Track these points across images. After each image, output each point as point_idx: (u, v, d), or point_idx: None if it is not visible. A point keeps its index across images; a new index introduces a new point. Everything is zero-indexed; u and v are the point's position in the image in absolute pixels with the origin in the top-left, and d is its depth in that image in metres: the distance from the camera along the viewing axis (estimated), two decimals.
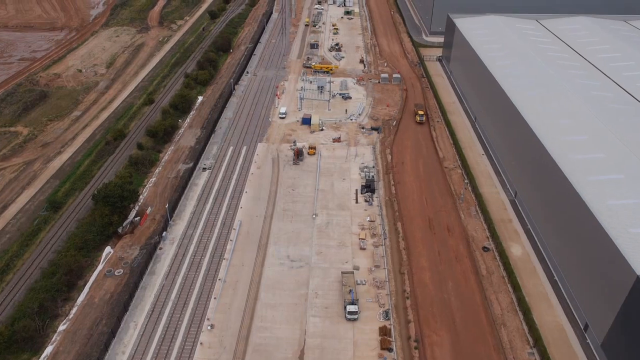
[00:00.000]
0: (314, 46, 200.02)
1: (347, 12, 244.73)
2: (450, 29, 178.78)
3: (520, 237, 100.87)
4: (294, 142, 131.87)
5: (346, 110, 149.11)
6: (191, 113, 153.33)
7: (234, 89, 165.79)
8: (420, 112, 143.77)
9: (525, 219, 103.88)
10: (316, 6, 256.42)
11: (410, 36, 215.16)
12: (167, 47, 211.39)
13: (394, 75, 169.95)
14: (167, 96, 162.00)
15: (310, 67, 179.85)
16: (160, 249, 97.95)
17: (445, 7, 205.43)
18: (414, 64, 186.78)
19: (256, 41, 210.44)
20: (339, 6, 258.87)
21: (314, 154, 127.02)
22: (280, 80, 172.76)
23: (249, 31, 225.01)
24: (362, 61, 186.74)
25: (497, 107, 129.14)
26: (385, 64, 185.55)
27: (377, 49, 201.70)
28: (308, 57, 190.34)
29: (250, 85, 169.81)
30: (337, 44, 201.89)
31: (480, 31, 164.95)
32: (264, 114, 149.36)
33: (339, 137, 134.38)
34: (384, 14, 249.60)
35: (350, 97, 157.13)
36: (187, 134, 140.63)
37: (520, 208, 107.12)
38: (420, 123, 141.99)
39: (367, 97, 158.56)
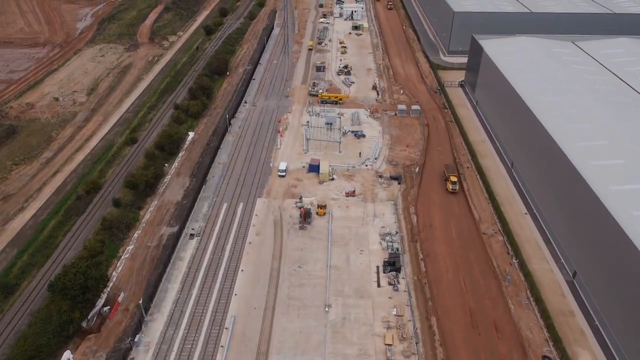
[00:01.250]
0: (320, 69, 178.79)
1: (355, 27, 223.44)
2: (475, 52, 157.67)
3: (587, 340, 79.72)
4: (300, 197, 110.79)
5: (360, 153, 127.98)
6: (180, 154, 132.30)
7: (230, 124, 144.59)
8: (453, 179, 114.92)
9: (592, 312, 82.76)
10: (321, 20, 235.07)
11: (426, 56, 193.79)
12: (157, 68, 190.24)
13: (413, 107, 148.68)
14: (153, 133, 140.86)
15: (317, 96, 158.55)
16: (132, 359, 76.82)
17: (465, 25, 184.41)
18: (433, 91, 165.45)
19: (256, 62, 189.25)
20: (345, 20, 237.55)
21: (324, 214, 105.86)
22: (283, 111, 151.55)
23: (248, 49, 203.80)
24: (374, 87, 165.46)
25: (538, 151, 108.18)
26: (402, 92, 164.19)
27: (390, 72, 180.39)
28: (314, 83, 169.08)
29: (249, 118, 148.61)
30: (345, 67, 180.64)
31: (511, 56, 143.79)
32: (264, 157, 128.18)
33: (353, 191, 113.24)
34: (395, 28, 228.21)
35: (363, 135, 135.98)
36: (173, 184, 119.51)
37: (582, 295, 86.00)
38: (453, 192, 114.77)
39: (383, 135, 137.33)
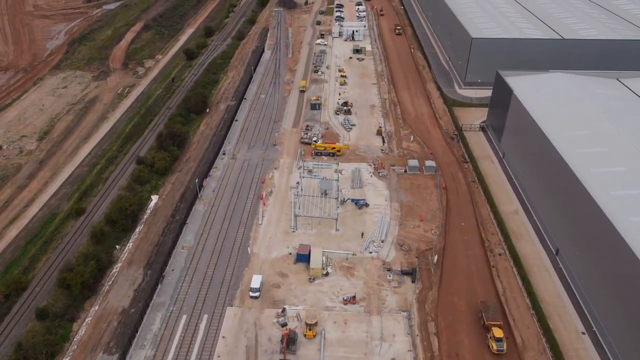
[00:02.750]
0: (315, 107, 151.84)
1: (357, 51, 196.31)
2: (500, 90, 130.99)
3: None
4: (283, 309, 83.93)
5: (362, 234, 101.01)
6: (137, 230, 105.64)
7: (202, 186, 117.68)
8: (498, 334, 77.45)
9: None
10: (318, 41, 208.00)
11: (439, 88, 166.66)
12: (126, 103, 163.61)
13: (427, 163, 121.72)
14: (107, 198, 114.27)
15: (310, 144, 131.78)
16: None
17: (485, 53, 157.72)
18: (449, 137, 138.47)
19: (241, 95, 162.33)
20: (346, 40, 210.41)
21: (314, 336, 79.05)
22: (269, 167, 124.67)
23: (234, 78, 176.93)
24: (380, 132, 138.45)
25: (592, 240, 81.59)
26: (412, 138, 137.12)
27: (398, 110, 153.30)
28: (307, 126, 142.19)
29: (226, 177, 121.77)
30: (345, 103, 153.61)
31: (546, 101, 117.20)
32: (241, 238, 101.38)
33: (354, 296, 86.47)
34: (402, 51, 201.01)
35: (367, 205, 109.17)
36: (122, 280, 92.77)
37: None
38: (499, 353, 77.24)
39: (390, 203, 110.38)
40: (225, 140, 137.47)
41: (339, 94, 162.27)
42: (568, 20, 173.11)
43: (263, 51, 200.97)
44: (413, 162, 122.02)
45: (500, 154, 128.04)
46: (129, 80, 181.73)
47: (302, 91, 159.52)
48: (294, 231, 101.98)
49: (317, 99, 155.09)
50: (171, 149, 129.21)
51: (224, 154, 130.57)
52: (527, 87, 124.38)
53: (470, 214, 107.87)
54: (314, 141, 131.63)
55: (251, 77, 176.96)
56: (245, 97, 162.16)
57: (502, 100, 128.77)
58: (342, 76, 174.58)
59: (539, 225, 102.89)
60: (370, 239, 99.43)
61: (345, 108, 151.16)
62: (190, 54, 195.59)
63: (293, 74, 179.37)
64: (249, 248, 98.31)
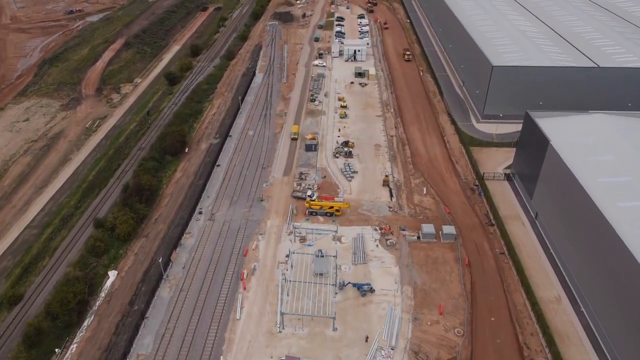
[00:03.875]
0: (310, 147, 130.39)
1: (359, 74, 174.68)
2: (532, 135, 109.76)
3: None
4: None
5: (367, 338, 79.49)
6: (84, 325, 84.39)
7: (170, 262, 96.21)
8: None
9: None
10: (316, 62, 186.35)
11: (453, 121, 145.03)
12: (94, 140, 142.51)
13: (445, 230, 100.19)
14: (54, 276, 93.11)
15: (304, 199, 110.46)
16: None
17: (508, 82, 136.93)
18: (469, 187, 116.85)
19: (226, 131, 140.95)
20: (347, 60, 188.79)
21: None
22: (253, 232, 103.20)
23: (219, 108, 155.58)
24: (386, 182, 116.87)
25: None
26: (425, 190, 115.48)
27: (407, 151, 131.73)
28: (301, 174, 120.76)
29: (201, 246, 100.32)
30: (346, 143, 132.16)
31: (590, 152, 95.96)
32: (211, 344, 79.79)
33: None
34: (410, 74, 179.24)
35: (372, 290, 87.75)
36: None
37: None
38: None
39: (401, 287, 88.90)
40: (204, 192, 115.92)
41: (339, 130, 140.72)
42: (600, 43, 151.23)
43: (254, 74, 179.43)
44: (428, 228, 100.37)
45: (532, 214, 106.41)
46: (101, 110, 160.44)
47: (294, 139, 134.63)
48: (280, 331, 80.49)
49: (313, 138, 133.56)
50: (137, 207, 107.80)
51: (200, 213, 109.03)
52: (565, 134, 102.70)
53: (502, 303, 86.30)
54: (308, 197, 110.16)
55: (239, 107, 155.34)
56: (230, 133, 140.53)
57: (534, 148, 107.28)
58: (342, 106, 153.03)
59: (590, 322, 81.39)
60: (376, 344, 77.90)
61: (345, 149, 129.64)
62: (172, 78, 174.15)
63: (287, 104, 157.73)
64: (222, 356, 76.79)
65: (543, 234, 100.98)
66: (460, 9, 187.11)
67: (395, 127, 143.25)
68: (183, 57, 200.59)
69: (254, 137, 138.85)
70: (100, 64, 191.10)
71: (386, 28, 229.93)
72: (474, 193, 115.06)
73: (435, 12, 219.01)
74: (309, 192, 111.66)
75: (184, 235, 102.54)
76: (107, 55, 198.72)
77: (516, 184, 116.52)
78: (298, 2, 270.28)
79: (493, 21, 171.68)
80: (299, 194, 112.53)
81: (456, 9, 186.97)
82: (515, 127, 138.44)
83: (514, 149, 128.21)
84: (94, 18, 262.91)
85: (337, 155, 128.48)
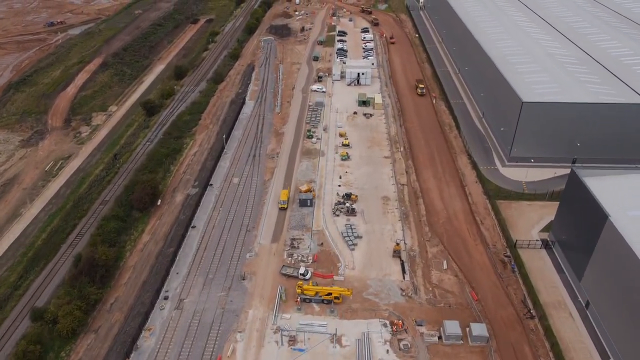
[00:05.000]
0: (305, 203, 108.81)
1: (363, 102, 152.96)
2: (580, 199, 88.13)
3: None
4: None
5: None
6: None
7: None
8: None
9: None
10: (314, 87, 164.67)
11: (474, 164, 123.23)
12: (53, 188, 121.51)
13: (474, 330, 78.35)
14: None
15: (296, 277, 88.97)
16: None
17: (539, 121, 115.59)
18: (500, 260, 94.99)
19: (207, 178, 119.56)
20: (349, 84, 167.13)
21: None
22: (230, 329, 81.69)
23: (201, 147, 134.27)
24: (397, 253, 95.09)
25: None
26: (445, 265, 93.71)
27: (422, 206, 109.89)
28: (292, 242, 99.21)
29: (162, 349, 78.76)
30: (348, 196, 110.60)
31: None
32: None
33: None
34: (421, 102, 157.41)
35: None
36: None
37: None
38: None
39: None
40: (173, 266, 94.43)
41: (340, 177, 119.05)
42: None
43: (244, 102, 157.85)
44: (452, 326, 78.65)
45: (582, 301, 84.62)
46: (66, 147, 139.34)
47: (283, 208, 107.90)
48: None
49: (309, 190, 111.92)
50: (88, 290, 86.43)
51: (165, 298, 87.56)
52: (626, 203, 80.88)
53: None
54: (301, 275, 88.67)
55: (224, 147, 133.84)
56: (211, 182, 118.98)
57: (584, 217, 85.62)
58: (343, 145, 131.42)
59: None
60: None
61: (347, 205, 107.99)
62: (150, 108, 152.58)
63: (280, 140, 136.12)
64: None
65: (598, 332, 79.23)
66: (475, 25, 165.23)
67: (407, 173, 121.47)
68: (166, 79, 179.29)
69: (239, 186, 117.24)
70: (71, 89, 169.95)
71: (392, 43, 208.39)
72: (506, 268, 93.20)
73: (448, 27, 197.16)
74: (302, 270, 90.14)
75: (143, 332, 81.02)
76: (81, 78, 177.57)
77: (557, 256, 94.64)
78: (297, 12, 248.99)
79: (517, 42, 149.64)
80: (289, 271, 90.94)
81: (472, 25, 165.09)
82: (548, 173, 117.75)
83: (550, 203, 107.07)
84: (77, 30, 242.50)
85: (337, 212, 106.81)
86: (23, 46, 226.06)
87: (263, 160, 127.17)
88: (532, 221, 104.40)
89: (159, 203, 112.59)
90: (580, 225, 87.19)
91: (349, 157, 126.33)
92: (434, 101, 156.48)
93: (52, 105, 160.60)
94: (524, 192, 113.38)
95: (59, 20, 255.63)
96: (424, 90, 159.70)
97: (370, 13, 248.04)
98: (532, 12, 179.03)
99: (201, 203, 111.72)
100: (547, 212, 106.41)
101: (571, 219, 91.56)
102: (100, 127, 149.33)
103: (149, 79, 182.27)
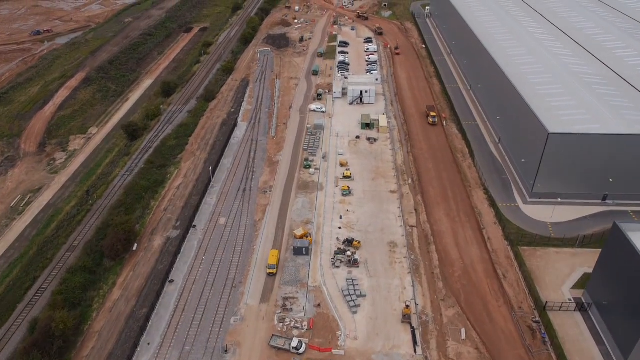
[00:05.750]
0: (300, 251, 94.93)
1: (367, 125, 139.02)
2: (624, 258, 73.96)
3: None
4: None
5: None
6: None
7: None
8: None
9: None
10: (313, 107, 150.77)
11: (492, 201, 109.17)
12: (17, 228, 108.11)
13: None
14: None
15: (288, 351, 75.14)
16: None
17: (566, 154, 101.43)
18: (527, 326, 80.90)
19: (190, 217, 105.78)
20: (351, 103, 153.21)
21: None
22: None
23: (186, 177, 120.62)
24: (407, 318, 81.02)
25: None
26: (463, 333, 79.65)
27: (434, 255, 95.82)
28: (285, 303, 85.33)
29: None
30: (349, 242, 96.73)
31: None
32: None
33: None
34: (430, 127, 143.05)
35: None
36: None
37: None
38: None
39: None
40: (145, 333, 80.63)
41: (340, 217, 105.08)
42: None
43: (236, 124, 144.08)
44: None
45: None
46: (37, 177, 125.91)
47: (271, 274, 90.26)
48: None
49: (305, 234, 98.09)
50: None
51: None
52: None
53: None
54: (294, 349, 74.77)
55: (213, 173, 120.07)
56: (195, 222, 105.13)
57: (628, 279, 71.73)
58: (345, 177, 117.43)
59: None
60: None
61: (349, 254, 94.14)
62: (132, 131, 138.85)
63: (273, 171, 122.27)
64: None
65: None
66: (488, 36, 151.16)
67: (416, 211, 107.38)
68: (153, 96, 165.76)
69: (226, 228, 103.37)
70: (49, 108, 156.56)
71: (397, 54, 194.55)
72: (535, 337, 79.16)
73: (457, 37, 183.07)
74: (295, 342, 76.29)
75: None
76: (61, 95, 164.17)
77: (595, 323, 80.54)
78: (296, 21, 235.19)
79: (535, 57, 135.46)
80: (280, 343, 77.06)
81: (484, 37, 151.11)
82: (577, 212, 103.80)
83: (581, 251, 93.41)
84: (64, 39, 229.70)
85: (337, 263, 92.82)
86: (5, 57, 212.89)
87: (254, 195, 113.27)
88: (562, 274, 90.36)
89: (134, 248, 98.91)
90: (625, 289, 73.27)
91: (350, 192, 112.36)
92: (444, 123, 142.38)
93: (27, 127, 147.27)
94: (551, 236, 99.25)
95: (45, 29, 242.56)
96: (436, 120, 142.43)
97: (366, 19, 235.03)
98: (547, 21, 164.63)
99: (182, 250, 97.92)
100: (579, 262, 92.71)
101: (612, 280, 77.51)
102: (77, 153, 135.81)
103: (135, 96, 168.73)
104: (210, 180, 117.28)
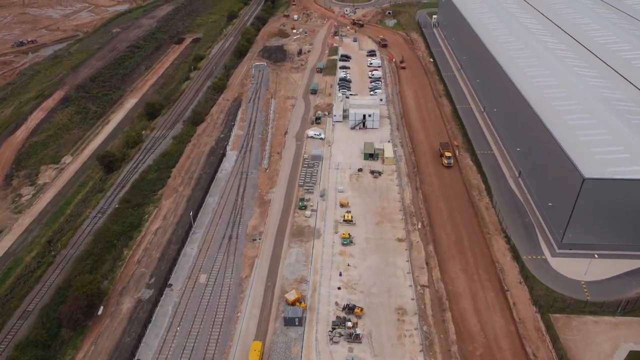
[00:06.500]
0: (292, 322, 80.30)
1: (370, 155, 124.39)
2: None
3: None
4: None
5: None
6: None
7: None
8: None
9: None
10: (311, 133, 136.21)
11: (515, 253, 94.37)
12: None
13: None
14: None
15: None
16: None
17: (601, 202, 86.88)
18: None
19: (166, 272, 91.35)
20: (353, 128, 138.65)
21: None
22: None
23: (166, 220, 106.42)
24: None
25: None
26: None
27: (450, 327, 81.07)
28: None
29: None
30: (350, 309, 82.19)
31: None
32: None
33: None
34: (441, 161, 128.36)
35: None
36: None
37: None
38: None
39: None
40: None
41: (340, 273, 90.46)
42: None
43: (224, 153, 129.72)
44: None
45: None
46: (1, 216, 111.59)
47: None
48: None
49: (298, 299, 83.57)
50: None
51: None
52: None
53: None
54: None
55: (196, 213, 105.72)
56: (171, 281, 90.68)
57: None
58: (345, 221, 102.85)
59: None
60: None
61: (349, 324, 79.47)
62: (108, 162, 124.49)
63: (264, 213, 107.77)
64: None
65: None
66: (503, 53, 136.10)
67: (427, 265, 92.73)
68: (136, 118, 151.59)
69: (206, 288, 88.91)
70: (21, 133, 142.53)
71: (403, 68, 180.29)
72: None
73: (468, 51, 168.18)
74: None
75: None
76: (35, 117, 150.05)
77: None
78: (294, 31, 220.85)
79: (558, 79, 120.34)
80: None
81: (499, 54, 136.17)
82: (617, 266, 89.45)
83: (625, 319, 78.90)
84: (49, 50, 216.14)
85: (335, 338, 78.14)
86: None
87: (241, 244, 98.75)
88: (603, 352, 75.80)
89: (99, 312, 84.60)
90: None
91: (352, 242, 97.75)
92: (456, 152, 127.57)
93: None
94: (587, 300, 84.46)
95: (29, 40, 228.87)
96: (452, 161, 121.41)
97: (361, 26, 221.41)
98: (565, 33, 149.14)
99: (154, 316, 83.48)
100: (622, 335, 78.39)
101: None
102: (46, 187, 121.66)
103: (117, 117, 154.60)
104: (191, 226, 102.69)
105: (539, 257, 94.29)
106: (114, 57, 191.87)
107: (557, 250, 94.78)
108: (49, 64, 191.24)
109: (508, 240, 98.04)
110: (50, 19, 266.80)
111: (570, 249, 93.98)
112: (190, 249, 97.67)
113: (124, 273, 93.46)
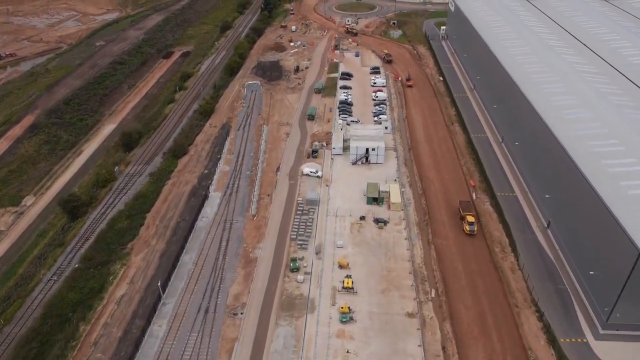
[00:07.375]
0: None
1: (374, 199, 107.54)
2: None
3: None
4: None
5: None
6: None
7: None
8: None
9: None
10: (307, 170, 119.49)
11: (549, 333, 77.59)
12: None
13: None
14: None
15: None
16: None
17: None
18: None
19: (128, 359, 74.78)
20: (355, 163, 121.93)
21: None
22: None
23: (133, 284, 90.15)
24: None
25: None
26: None
27: None
28: None
29: None
30: None
31: None
32: None
33: None
34: (455, 197, 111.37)
35: None
36: None
37: None
38: None
39: None
40: None
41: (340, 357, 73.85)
42: None
43: (207, 195, 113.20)
44: None
45: None
46: None
47: None
48: None
49: None
50: None
51: None
52: None
53: None
54: None
55: (160, 295, 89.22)
56: (141, 349, 74.47)
57: None
58: (344, 288, 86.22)
59: None
60: None
61: None
62: (73, 207, 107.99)
63: (249, 275, 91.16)
64: None
65: None
66: (525, 78, 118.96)
67: (444, 351, 75.97)
68: (112, 149, 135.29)
69: None
70: None
71: (410, 86, 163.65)
72: None
73: (482, 70, 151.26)
74: None
75: None
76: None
77: None
78: (292, 43, 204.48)
79: (591, 112, 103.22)
80: None
81: (520, 79, 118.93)
82: None
83: None
84: (29, 65, 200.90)
85: None
86: None
87: (220, 320, 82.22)
88: None
89: None
90: None
91: (352, 318, 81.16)
92: (474, 195, 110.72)
93: None
94: None
95: (8, 53, 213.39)
96: (475, 228, 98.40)
97: (356, 34, 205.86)
98: (590, 51, 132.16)
99: None
100: None
101: None
102: (1, 237, 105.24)
103: (90, 148, 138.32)
104: (160, 297, 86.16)
105: (579, 339, 77.57)
106: (94, 74, 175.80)
107: (601, 332, 78.04)
108: (22, 83, 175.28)
109: (540, 316, 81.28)
110: (34, 29, 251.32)
111: (617, 330, 77.28)
112: (158, 327, 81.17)
113: (77, 356, 77.02)
